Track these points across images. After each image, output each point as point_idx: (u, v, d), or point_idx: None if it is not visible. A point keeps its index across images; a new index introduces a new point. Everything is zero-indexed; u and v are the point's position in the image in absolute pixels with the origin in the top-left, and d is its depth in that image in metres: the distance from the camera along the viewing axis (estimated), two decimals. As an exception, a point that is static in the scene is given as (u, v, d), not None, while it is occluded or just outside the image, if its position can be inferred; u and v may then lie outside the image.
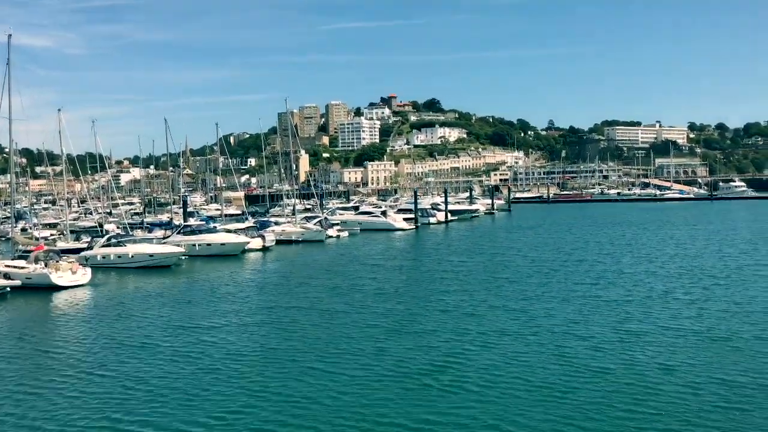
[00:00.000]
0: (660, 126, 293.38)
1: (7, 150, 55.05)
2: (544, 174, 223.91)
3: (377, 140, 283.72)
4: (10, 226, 58.76)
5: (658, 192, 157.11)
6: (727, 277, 32.88)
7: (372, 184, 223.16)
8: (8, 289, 34.56)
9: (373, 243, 58.32)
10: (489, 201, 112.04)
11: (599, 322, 23.16)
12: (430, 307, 27.06)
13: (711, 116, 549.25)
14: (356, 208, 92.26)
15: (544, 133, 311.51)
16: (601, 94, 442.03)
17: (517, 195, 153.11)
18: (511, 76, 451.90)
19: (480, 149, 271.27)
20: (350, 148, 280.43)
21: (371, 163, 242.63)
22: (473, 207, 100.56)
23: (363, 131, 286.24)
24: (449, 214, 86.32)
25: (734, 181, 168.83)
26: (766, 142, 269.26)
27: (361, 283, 34.38)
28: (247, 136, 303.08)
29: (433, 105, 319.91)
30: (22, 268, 37.36)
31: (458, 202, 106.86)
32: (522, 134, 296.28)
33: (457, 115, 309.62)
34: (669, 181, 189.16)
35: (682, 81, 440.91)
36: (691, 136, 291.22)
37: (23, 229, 59.19)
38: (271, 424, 14.43)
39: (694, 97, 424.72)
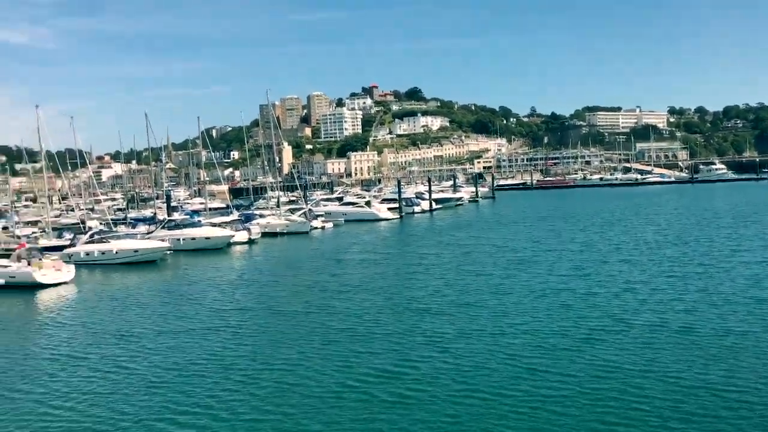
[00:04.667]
0: (640, 111, 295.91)
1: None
2: (527, 161, 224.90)
3: (360, 131, 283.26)
4: (-10, 225, 58.02)
5: (639, 176, 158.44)
6: None
7: (355, 174, 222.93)
8: (-8, 288, 34.10)
9: (358, 234, 58.30)
10: (473, 189, 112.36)
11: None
12: (412, 301, 27.04)
13: (691, 101, 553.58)
14: (340, 199, 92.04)
15: (526, 119, 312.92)
16: (581, 80, 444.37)
17: (501, 182, 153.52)
18: (493, 63, 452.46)
19: (463, 137, 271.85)
20: (333, 139, 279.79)
21: (354, 153, 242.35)
22: (457, 195, 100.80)
23: (345, 122, 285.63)
24: (434, 203, 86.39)
25: (715, 164, 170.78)
26: (746, 125, 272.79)
27: (345, 275, 34.38)
28: (230, 129, 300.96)
29: (414, 94, 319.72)
30: (5, 266, 36.88)
31: (442, 191, 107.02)
32: (504, 121, 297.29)
33: (439, 104, 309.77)
34: (650, 165, 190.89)
35: (661, 66, 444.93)
36: (671, 120, 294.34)
37: (4, 228, 58.34)
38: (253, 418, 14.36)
39: (674, 81, 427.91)
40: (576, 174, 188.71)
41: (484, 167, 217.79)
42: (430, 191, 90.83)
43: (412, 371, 16.73)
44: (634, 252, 37.24)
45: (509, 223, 61.31)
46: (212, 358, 18.86)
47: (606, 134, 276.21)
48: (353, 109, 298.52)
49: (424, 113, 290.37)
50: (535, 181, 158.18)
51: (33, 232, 57.40)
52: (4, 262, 38.03)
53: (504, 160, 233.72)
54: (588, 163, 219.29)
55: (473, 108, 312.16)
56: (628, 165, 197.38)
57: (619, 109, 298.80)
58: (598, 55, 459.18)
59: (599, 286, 27.19)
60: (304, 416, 14.00)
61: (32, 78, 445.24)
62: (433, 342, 19.36)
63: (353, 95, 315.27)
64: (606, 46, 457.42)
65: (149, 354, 19.88)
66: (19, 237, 48.77)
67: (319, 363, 17.80)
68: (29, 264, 36.64)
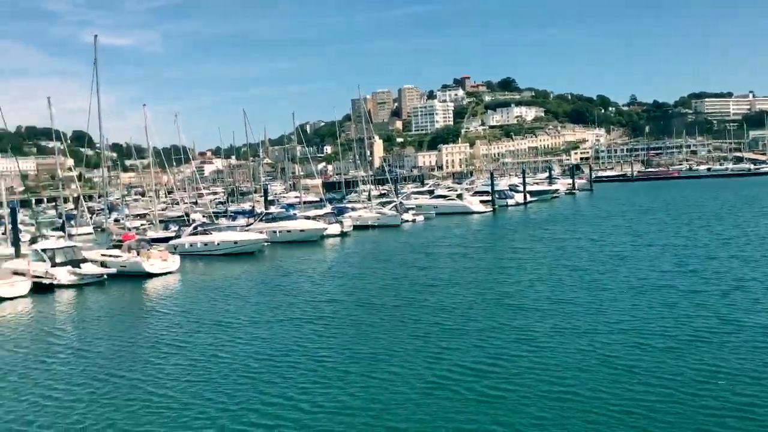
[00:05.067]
0: (753, 96, 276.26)
1: (99, 146, 57.98)
2: (627, 151, 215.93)
3: (451, 123, 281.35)
4: (104, 217, 62.20)
5: (752, 166, 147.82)
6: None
7: (447, 167, 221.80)
8: (105, 276, 36.59)
9: (449, 227, 57.90)
10: (570, 180, 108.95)
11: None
12: (505, 296, 26.51)
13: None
14: (431, 192, 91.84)
15: (626, 108, 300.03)
16: (686, 66, 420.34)
17: (600, 173, 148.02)
18: (590, 52, 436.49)
19: (558, 127, 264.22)
20: (424, 131, 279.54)
21: (445, 146, 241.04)
22: (553, 187, 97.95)
23: (436, 114, 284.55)
24: (528, 195, 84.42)
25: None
26: None
27: (435, 268, 34.19)
28: (323, 124, 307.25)
29: (508, 84, 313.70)
30: (117, 256, 39.49)
31: (537, 183, 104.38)
32: (602, 111, 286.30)
33: (533, 94, 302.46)
34: (765, 154, 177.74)
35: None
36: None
37: (116, 220, 62.33)
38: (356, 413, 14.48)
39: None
40: (681, 164, 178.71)
41: (582, 158, 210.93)
42: (524, 183, 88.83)
43: (501, 369, 16.35)
44: (746, 247, 34.72)
45: (608, 216, 58.94)
46: (303, 350, 19.20)
47: (714, 122, 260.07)
48: (444, 101, 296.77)
49: (518, 103, 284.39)
50: (635, 172, 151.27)
51: (142, 224, 61.04)
52: (115, 252, 40.71)
53: (602, 151, 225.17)
54: (694, 152, 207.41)
55: (569, 97, 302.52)
56: (739, 154, 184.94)
57: (729, 95, 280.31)
58: (705, 39, 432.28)
59: (705, 283, 25.56)
60: (390, 411, 13.97)
61: (140, 79, 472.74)
62: (524, 339, 18.87)
63: (444, 87, 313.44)
64: (714, 29, 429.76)
65: (243, 344, 20.51)
66: (129, 229, 51.98)
67: (407, 357, 17.75)
68: (138, 254, 39.01)
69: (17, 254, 38.98)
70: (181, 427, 13.92)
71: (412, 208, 69.76)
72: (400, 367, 16.91)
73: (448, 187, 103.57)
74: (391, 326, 21.38)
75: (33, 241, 43.85)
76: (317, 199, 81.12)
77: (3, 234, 47.99)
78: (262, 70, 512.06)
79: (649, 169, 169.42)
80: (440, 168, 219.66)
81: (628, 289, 25.07)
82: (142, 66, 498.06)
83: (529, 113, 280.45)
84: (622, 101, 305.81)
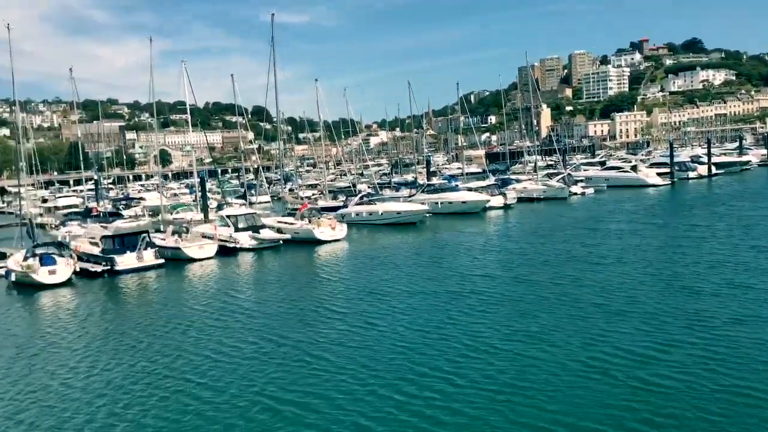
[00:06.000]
0: None
1: (275, 120, 62.12)
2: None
3: (626, 89, 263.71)
4: (280, 187, 66.80)
5: None
6: None
7: (620, 136, 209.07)
8: (281, 241, 39.60)
9: (621, 201, 54.64)
10: (764, 151, 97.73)
11: None
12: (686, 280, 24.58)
13: None
14: (602, 163, 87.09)
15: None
16: None
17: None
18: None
19: (752, 92, 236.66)
20: (595, 99, 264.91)
21: (619, 114, 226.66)
22: (744, 158, 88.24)
23: (610, 80, 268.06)
24: (713, 167, 76.96)
25: None
26: None
27: (602, 245, 32.56)
28: (487, 93, 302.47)
29: (693, 45, 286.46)
30: (291, 224, 42.49)
31: (724, 154, 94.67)
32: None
33: (723, 55, 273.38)
34: None
35: None
36: None
37: (291, 190, 66.60)
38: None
39: None
40: None
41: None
42: (709, 154, 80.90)
43: (668, 357, 15.26)
44: None
45: (808, 193, 52.24)
46: (456, 323, 19.31)
47: None
48: (619, 66, 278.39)
49: (704, 66, 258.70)
50: None
51: (313, 194, 64.82)
52: (290, 219, 43.77)
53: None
54: None
55: (767, 58, 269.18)
56: None
57: None
58: None
59: None
60: (541, 393, 13.68)
61: (313, 55, 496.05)
62: (698, 327, 17.42)
63: (620, 51, 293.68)
64: None
65: (399, 313, 21.11)
66: (302, 198, 55.39)
67: (563, 338, 17.21)
68: (310, 222, 41.66)
69: (206, 219, 43.26)
70: (334, 389, 14.66)
71: (581, 181, 66.88)
72: (555, 347, 16.50)
73: (622, 158, 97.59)
74: (549, 304, 20.83)
75: (219, 207, 48.43)
76: (480, 170, 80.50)
77: (194, 201, 53.37)
78: (428, 41, 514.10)
79: None
80: (613, 138, 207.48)
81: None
82: (315, 42, 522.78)
83: (717, 77, 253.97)
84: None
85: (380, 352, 17.07)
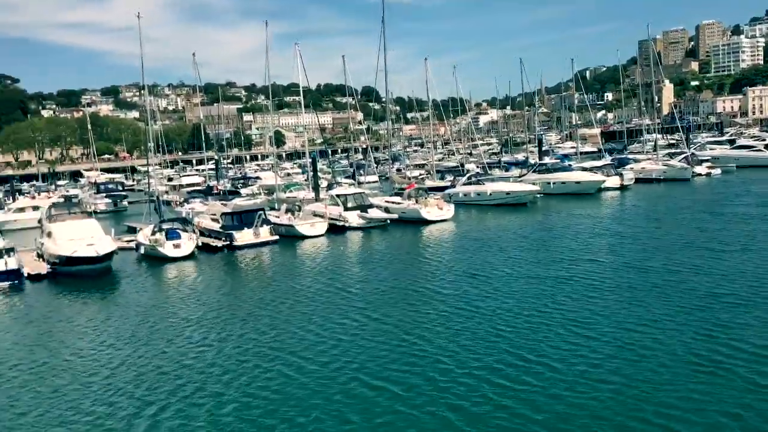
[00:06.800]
0: None
1: (384, 100, 62.65)
2: None
3: (761, 62, 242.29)
4: (388, 167, 67.47)
5: None
6: None
7: (753, 113, 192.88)
8: (388, 221, 40.08)
9: (752, 182, 50.51)
10: None
11: None
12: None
13: None
14: (732, 142, 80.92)
15: None
16: None
17: None
18: None
19: None
20: (725, 73, 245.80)
21: (752, 88, 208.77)
22: None
23: (742, 52, 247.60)
24: None
25: None
26: None
27: (724, 231, 30.30)
28: (604, 69, 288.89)
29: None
30: (399, 203, 42.88)
31: None
32: None
33: None
34: None
35: None
36: None
37: (398, 170, 67.20)
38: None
39: None
40: None
41: None
42: None
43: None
44: None
45: None
46: (559, 309, 18.80)
47: None
48: (753, 36, 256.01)
49: None
50: None
51: (420, 174, 64.98)
52: (397, 199, 44.20)
53: None
54: None
55: None
56: None
57: None
58: None
59: None
60: (646, 384, 13.07)
61: (422, 33, 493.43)
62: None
63: (754, 20, 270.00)
64: None
65: (501, 295, 20.85)
66: (409, 178, 55.72)
67: (677, 329, 16.29)
68: (417, 202, 41.85)
69: (317, 198, 44.55)
70: (431, 369, 14.74)
71: (707, 160, 62.62)
72: (667, 338, 15.67)
73: (754, 136, 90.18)
74: (661, 293, 19.77)
75: (329, 187, 49.69)
76: (595, 149, 77.57)
77: (306, 180, 55.07)
78: (540, 16, 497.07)
79: None
80: (744, 114, 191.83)
81: None
82: (424, 20, 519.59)
83: None
84: None
85: (480, 335, 16.99)
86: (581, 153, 72.61)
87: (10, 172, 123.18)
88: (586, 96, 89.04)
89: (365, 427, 12.12)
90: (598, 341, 15.78)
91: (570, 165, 57.19)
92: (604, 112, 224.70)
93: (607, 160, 60.11)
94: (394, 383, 14.01)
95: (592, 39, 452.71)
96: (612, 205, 43.89)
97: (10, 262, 28.79)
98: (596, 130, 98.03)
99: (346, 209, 40.49)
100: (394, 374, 14.56)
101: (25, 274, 29.41)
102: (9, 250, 29.48)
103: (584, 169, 54.00)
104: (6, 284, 28.09)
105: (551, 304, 19.36)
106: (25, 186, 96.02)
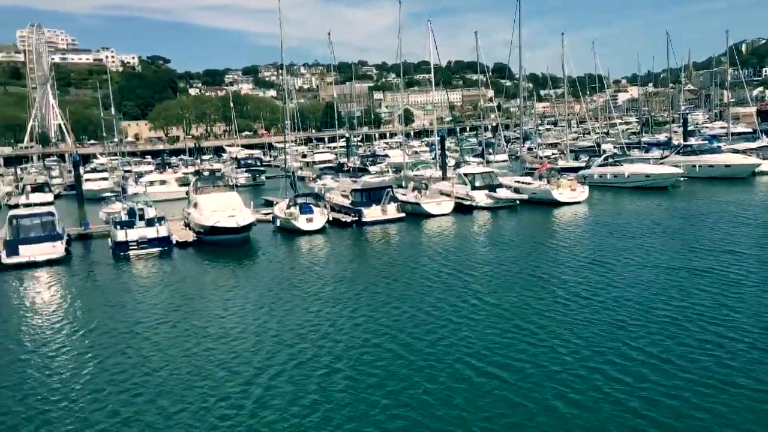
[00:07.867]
0: None
1: (517, 77, 60.86)
2: None
3: None
4: (518, 146, 65.72)
5: None
6: None
7: None
8: (518, 201, 39.17)
9: None
10: None
11: None
12: None
13: None
14: None
15: None
16: None
17: None
18: None
19: None
20: None
21: None
22: None
23: None
24: None
25: None
26: None
27: None
28: (763, 42, 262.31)
29: None
30: (529, 184, 41.68)
31: None
32: None
33: None
34: None
35: None
36: None
37: (529, 149, 65.23)
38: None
39: None
40: None
41: None
42: None
43: None
44: None
45: None
46: (683, 303, 17.47)
47: None
48: None
49: None
50: None
51: (553, 154, 62.73)
52: (528, 179, 42.96)
53: None
54: None
55: None
56: None
57: None
58: None
59: None
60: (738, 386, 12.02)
61: (561, 6, 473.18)
62: None
63: None
64: None
65: (615, 286, 19.72)
66: (541, 158, 53.90)
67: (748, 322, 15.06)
68: (549, 183, 40.44)
69: (444, 177, 44.33)
70: (542, 356, 14.32)
71: None
72: (740, 333, 14.67)
73: None
74: (732, 291, 18.23)
75: (457, 165, 49.26)
76: (749, 130, 70.81)
77: (433, 159, 54.96)
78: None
79: None
80: None
81: None
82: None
83: None
84: None
85: (597, 325, 16.18)
86: (732, 134, 66.79)
87: (161, 146, 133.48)
88: (741, 71, 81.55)
89: (469, 409, 11.94)
90: (734, 342, 14.42)
91: (719, 147, 52.96)
92: (761, 88, 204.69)
93: (764, 141, 54.83)
94: (503, 368, 13.71)
95: (749, 8, 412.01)
96: (766, 192, 39.97)
97: (161, 230, 31.24)
98: (752, 109, 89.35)
99: (474, 188, 39.96)
100: (503, 360, 14.24)
101: (174, 242, 31.83)
102: (160, 219, 32.04)
103: (735, 151, 49.78)
104: (157, 249, 30.57)
105: (680, 297, 18.02)
106: (174, 159, 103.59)
